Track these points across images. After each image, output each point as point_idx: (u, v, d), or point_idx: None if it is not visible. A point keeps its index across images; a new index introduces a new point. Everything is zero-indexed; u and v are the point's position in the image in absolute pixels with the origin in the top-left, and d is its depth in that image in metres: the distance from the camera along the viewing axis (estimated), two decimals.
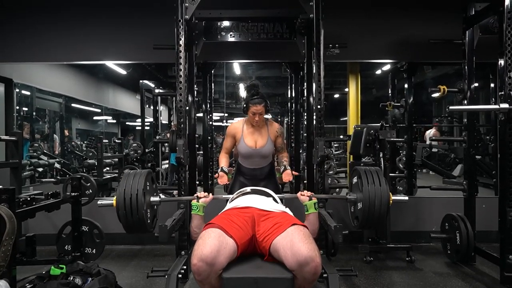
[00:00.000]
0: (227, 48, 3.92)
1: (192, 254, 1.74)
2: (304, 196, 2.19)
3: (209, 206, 2.24)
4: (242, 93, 2.74)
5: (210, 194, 2.24)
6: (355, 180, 2.13)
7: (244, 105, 2.81)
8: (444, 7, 3.78)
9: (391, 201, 1.99)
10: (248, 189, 2.42)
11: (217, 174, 2.86)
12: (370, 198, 1.94)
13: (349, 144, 4.16)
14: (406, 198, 2.20)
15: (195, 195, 2.20)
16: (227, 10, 3.10)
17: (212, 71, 4.37)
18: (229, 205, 2.30)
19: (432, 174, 7.66)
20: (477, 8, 3.14)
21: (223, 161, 2.91)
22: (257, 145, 2.83)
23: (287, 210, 2.21)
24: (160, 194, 2.19)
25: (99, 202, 2.03)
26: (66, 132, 8.19)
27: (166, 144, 6.01)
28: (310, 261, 1.68)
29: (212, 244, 1.73)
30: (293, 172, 2.85)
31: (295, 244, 1.74)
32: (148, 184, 2.04)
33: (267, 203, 2.21)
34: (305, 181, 3.50)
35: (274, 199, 2.34)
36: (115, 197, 1.94)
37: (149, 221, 2.04)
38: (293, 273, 1.75)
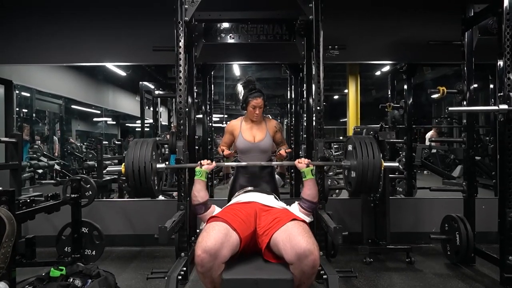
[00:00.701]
0: (227, 49, 3.93)
1: (196, 246, 1.79)
2: (301, 163, 2.30)
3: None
4: (239, 89, 2.78)
5: (213, 162, 2.36)
6: (349, 148, 2.27)
7: (243, 101, 2.84)
8: (443, 8, 3.80)
9: (382, 166, 2.13)
10: (250, 188, 2.54)
11: (220, 148, 2.98)
12: (363, 164, 2.09)
13: None
14: (397, 164, 2.43)
15: (199, 162, 2.33)
16: (226, 12, 3.11)
17: (212, 73, 4.38)
18: (232, 201, 2.40)
19: (431, 175, 7.67)
20: (476, 9, 3.15)
21: (224, 148, 3.00)
22: (256, 139, 2.86)
23: (288, 207, 2.26)
24: (166, 162, 2.37)
25: (108, 168, 2.40)
26: (71, 140, 8.20)
27: (166, 145, 6.00)
28: (309, 254, 1.72)
29: (216, 236, 1.78)
30: (287, 150, 2.91)
31: (295, 237, 1.79)
32: (154, 152, 2.18)
33: (268, 199, 2.31)
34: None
35: (275, 197, 2.44)
36: (124, 164, 2.08)
37: (156, 187, 2.19)
38: (291, 267, 1.77)
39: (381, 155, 2.14)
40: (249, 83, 2.87)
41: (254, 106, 2.77)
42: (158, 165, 2.23)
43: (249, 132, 2.87)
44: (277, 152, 2.94)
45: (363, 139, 2.19)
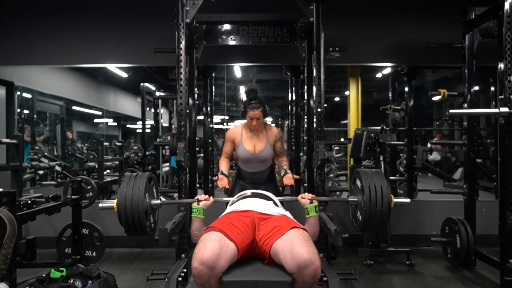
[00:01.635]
0: (228, 51, 3.93)
1: (192, 257, 1.74)
2: (305, 199, 2.20)
3: (210, 209, 2.25)
4: (242, 95, 2.76)
5: (211, 197, 2.26)
6: (356, 182, 2.13)
7: (242, 110, 2.83)
8: (443, 11, 3.80)
9: (392, 204, 1.99)
10: (248, 192, 2.43)
11: (216, 177, 2.87)
12: (371, 201, 1.94)
13: (350, 147, 4.16)
14: (408, 200, 2.18)
15: (196, 197, 2.22)
16: (227, 14, 3.11)
17: (213, 74, 4.38)
18: (229, 209, 2.31)
19: (432, 177, 7.66)
20: (476, 12, 3.16)
21: (223, 164, 2.92)
22: (256, 150, 2.84)
23: (287, 213, 2.22)
24: (161, 197, 2.20)
25: (100, 205, 2.03)
26: (69, 135, 8.19)
27: (166, 147, 6.01)
28: (309, 264, 1.68)
29: (212, 247, 1.73)
30: (294, 176, 2.85)
31: (295, 247, 1.74)
32: (149, 187, 2.05)
33: (267, 206, 2.22)
34: (305, 184, 3.50)
35: (274, 203, 2.34)
36: (116, 200, 1.95)
37: (150, 224, 2.05)
38: (292, 276, 1.75)
39: (390, 190, 1.99)
40: (250, 92, 2.85)
41: (251, 117, 2.75)
42: (153, 202, 2.10)
43: (249, 142, 2.86)
44: (283, 177, 2.82)
45: (371, 174, 2.05)
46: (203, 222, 2.17)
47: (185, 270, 2.31)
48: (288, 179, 2.78)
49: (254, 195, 2.37)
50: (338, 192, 5.36)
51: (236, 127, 2.96)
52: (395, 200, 2.03)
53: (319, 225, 2.20)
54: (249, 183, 2.89)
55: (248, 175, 2.94)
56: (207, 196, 2.23)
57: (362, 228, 2.06)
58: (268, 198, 2.35)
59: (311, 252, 1.72)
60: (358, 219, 2.10)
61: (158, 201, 2.12)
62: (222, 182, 2.79)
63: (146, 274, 2.63)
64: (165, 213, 2.44)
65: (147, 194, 2.00)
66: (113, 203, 1.96)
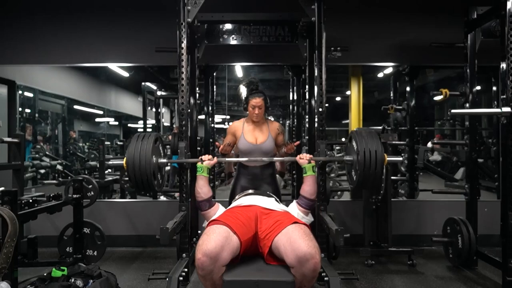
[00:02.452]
0: (229, 51, 3.93)
1: (196, 249, 1.79)
2: (303, 159, 2.31)
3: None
4: (242, 90, 2.79)
5: (215, 157, 2.38)
6: (352, 142, 2.25)
7: (244, 102, 2.84)
8: (445, 10, 3.79)
9: (385, 161, 2.11)
10: (251, 191, 2.53)
11: (218, 143, 2.98)
12: (365, 156, 2.06)
13: None
14: (400, 158, 2.43)
15: (200, 157, 2.35)
16: (229, 13, 3.11)
17: (214, 74, 4.38)
18: (232, 204, 2.39)
19: (434, 177, 7.65)
20: (478, 11, 3.15)
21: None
22: (258, 141, 2.84)
23: (288, 209, 2.26)
24: (165, 159, 2.35)
25: (110, 162, 2.48)
26: (73, 134, 8.20)
27: (168, 146, 6.02)
28: (309, 258, 1.71)
29: (216, 239, 1.78)
30: (294, 143, 2.87)
31: (295, 241, 1.78)
32: (155, 146, 2.20)
33: (269, 202, 2.30)
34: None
35: (276, 200, 2.39)
36: (125, 157, 2.09)
37: (156, 181, 2.18)
38: (292, 270, 1.77)
39: (383, 149, 2.12)
40: (250, 84, 2.88)
41: (253, 105, 2.75)
42: (160, 160, 2.25)
43: (251, 134, 2.86)
44: (285, 146, 2.89)
45: (365, 133, 2.17)
46: (207, 180, 2.31)
47: (186, 269, 2.32)
48: (290, 146, 2.83)
49: (256, 193, 2.47)
50: (339, 192, 5.36)
51: (237, 121, 2.98)
52: (388, 158, 2.16)
53: (316, 185, 2.31)
54: (250, 179, 2.87)
55: (249, 170, 2.91)
56: (210, 156, 2.36)
57: (358, 184, 2.17)
58: (270, 195, 2.44)
59: (311, 246, 1.75)
60: (354, 176, 2.21)
61: (165, 160, 2.29)
62: (221, 148, 2.87)
63: (147, 274, 2.64)
64: (166, 212, 2.45)
65: (154, 153, 2.14)
66: (122, 160, 2.10)
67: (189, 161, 2.51)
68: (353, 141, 2.21)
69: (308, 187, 2.24)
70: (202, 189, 2.23)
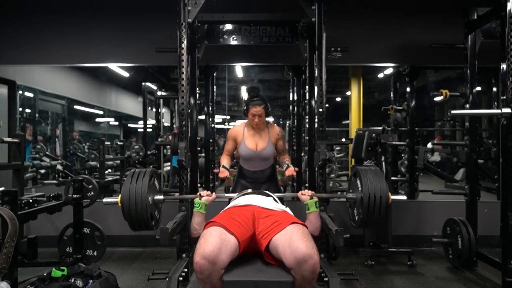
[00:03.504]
0: (229, 51, 3.93)
1: (194, 252, 1.77)
2: (305, 195, 2.24)
3: (211, 207, 2.26)
4: (244, 94, 2.78)
5: (213, 193, 2.29)
6: (355, 179, 2.16)
7: (245, 107, 2.83)
8: (446, 11, 3.80)
9: (390, 200, 2.02)
10: (249, 190, 2.47)
11: (217, 170, 2.89)
12: (370, 196, 1.97)
13: (351, 148, 4.16)
14: (405, 197, 2.29)
15: (198, 193, 2.26)
16: (229, 14, 3.11)
17: (214, 74, 4.40)
18: (230, 204, 2.35)
19: (434, 178, 7.65)
20: (479, 12, 3.15)
21: (224, 160, 2.94)
22: (258, 148, 2.84)
23: (287, 209, 2.24)
24: (161, 195, 2.21)
25: (104, 200, 2.08)
26: (75, 135, 8.21)
27: (168, 146, 6.02)
28: (308, 259, 1.70)
29: (214, 242, 1.75)
30: (295, 168, 2.86)
31: (294, 241, 1.76)
32: (152, 183, 2.09)
33: (267, 202, 2.26)
34: (306, 184, 3.51)
35: (274, 199, 2.38)
36: (120, 195, 1.98)
37: (153, 219, 2.08)
38: (292, 271, 1.76)
39: (388, 188, 2.02)
40: (252, 90, 2.85)
41: (253, 114, 2.75)
42: (156, 197, 2.13)
43: (251, 140, 2.86)
44: (285, 170, 2.82)
45: (370, 172, 2.07)
46: (204, 217, 2.20)
47: (186, 269, 2.31)
48: (290, 170, 2.80)
49: (254, 192, 2.42)
50: (339, 192, 5.36)
51: (238, 126, 2.97)
52: (392, 197, 2.06)
53: (320, 221, 2.23)
54: (250, 182, 2.89)
55: (250, 174, 2.94)
56: (209, 192, 2.27)
57: (360, 224, 2.10)
58: (268, 195, 2.39)
59: (310, 247, 1.74)
60: (357, 215, 2.13)
61: (161, 197, 2.15)
62: (223, 173, 2.81)
63: (147, 274, 2.64)
64: (166, 212, 2.44)
65: (150, 190, 2.04)
66: (117, 199, 2.00)
67: (186, 197, 2.46)
68: (357, 177, 2.12)
69: (311, 225, 2.15)
70: (200, 226, 2.11)
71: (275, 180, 3.00)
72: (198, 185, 3.64)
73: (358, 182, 2.08)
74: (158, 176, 2.24)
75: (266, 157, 2.88)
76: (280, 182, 3.09)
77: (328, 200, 2.75)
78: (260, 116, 2.75)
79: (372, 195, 1.97)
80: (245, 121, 2.94)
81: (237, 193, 2.50)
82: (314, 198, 2.21)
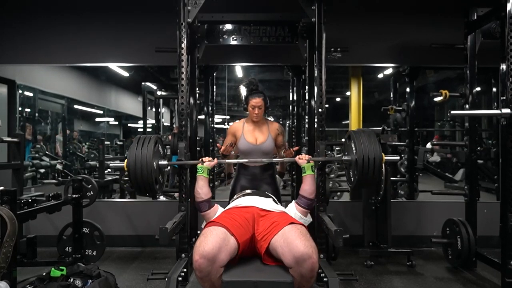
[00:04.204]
0: (229, 51, 3.93)
1: (194, 250, 1.79)
2: (302, 159, 2.32)
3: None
4: (242, 90, 2.80)
5: (215, 159, 2.40)
6: (350, 142, 2.26)
7: (244, 102, 2.84)
8: (446, 11, 3.79)
9: (383, 160, 2.13)
10: (249, 191, 2.52)
11: (219, 144, 2.95)
12: (364, 157, 2.09)
13: None
14: (397, 158, 2.41)
15: (200, 159, 2.37)
16: (229, 14, 3.11)
17: (214, 74, 4.39)
18: (230, 205, 2.38)
19: (434, 178, 7.65)
20: (479, 13, 3.15)
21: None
22: (258, 141, 2.85)
23: (287, 210, 2.26)
24: (166, 161, 2.35)
25: (111, 164, 2.42)
26: (76, 135, 8.22)
27: (167, 146, 6.03)
28: (307, 258, 1.71)
29: (213, 241, 1.78)
30: (293, 149, 2.87)
31: (293, 241, 1.78)
32: (156, 148, 2.21)
33: (267, 203, 2.29)
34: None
35: (274, 201, 2.42)
36: (126, 159, 2.11)
37: (157, 183, 2.21)
38: (290, 270, 1.77)
39: (381, 148, 2.14)
40: (250, 84, 2.88)
41: (253, 105, 2.76)
42: (160, 162, 2.27)
43: (251, 134, 2.87)
44: (284, 152, 2.88)
45: (363, 133, 2.19)
46: (207, 180, 2.31)
47: (185, 269, 2.31)
48: (289, 153, 2.82)
49: (254, 193, 2.46)
50: (339, 193, 5.36)
51: (237, 122, 2.98)
52: (386, 157, 2.18)
53: (315, 185, 2.32)
54: (250, 179, 2.87)
55: (249, 170, 2.92)
56: (211, 158, 2.37)
57: (356, 184, 2.20)
58: (268, 196, 2.44)
59: (308, 245, 1.76)
60: (352, 177, 2.24)
61: (165, 162, 2.30)
62: (222, 148, 2.84)
63: (146, 274, 2.64)
64: (166, 212, 2.45)
65: (155, 155, 2.17)
66: (123, 163, 2.13)
67: (189, 163, 2.52)
68: (351, 140, 2.22)
69: (307, 186, 2.25)
70: (202, 189, 2.23)
71: (274, 180, 3.00)
72: None
73: (353, 145, 2.19)
74: (162, 143, 2.36)
75: (266, 152, 2.88)
76: (279, 168, 3.10)
77: (328, 201, 2.76)
78: (260, 107, 2.77)
79: (366, 157, 2.08)
80: (245, 118, 2.95)
81: (237, 194, 2.55)
82: (311, 162, 2.31)
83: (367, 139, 2.14)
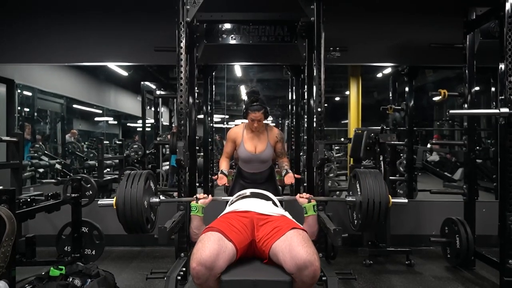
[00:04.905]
0: (228, 50, 3.93)
1: (191, 257, 1.74)
2: (303, 198, 2.20)
3: (209, 208, 2.25)
4: (244, 96, 2.78)
5: (210, 195, 2.25)
6: (354, 182, 2.13)
7: (244, 111, 2.83)
8: (445, 11, 3.80)
9: (390, 204, 1.99)
10: (248, 192, 2.42)
11: (216, 176, 2.88)
12: (369, 200, 1.94)
13: (350, 147, 4.16)
14: (406, 200, 2.18)
15: (195, 196, 2.22)
16: (228, 13, 3.11)
17: (213, 73, 4.39)
18: (228, 209, 2.30)
19: (433, 177, 7.66)
20: (478, 12, 3.15)
21: (223, 164, 2.93)
22: (257, 150, 2.84)
23: (287, 213, 2.21)
24: (160, 196, 2.19)
25: (99, 202, 2.03)
26: (75, 134, 8.20)
27: (166, 145, 6.02)
28: (309, 265, 1.68)
29: (211, 247, 1.73)
30: (295, 175, 2.86)
31: (294, 247, 1.74)
32: (148, 185, 2.05)
33: (266, 206, 2.21)
34: (305, 184, 3.51)
35: (274, 203, 2.34)
36: (115, 197, 1.95)
37: (149, 222, 2.05)
38: (292, 276, 1.75)
39: (387, 191, 2.00)
40: (252, 94, 2.84)
41: (252, 119, 2.74)
42: (152, 200, 2.10)
43: (250, 142, 2.86)
44: (284, 176, 2.83)
45: (368, 173, 2.06)
46: (202, 220, 2.17)
47: (184, 269, 2.31)
48: (289, 178, 2.79)
49: (253, 195, 2.36)
50: (338, 192, 5.36)
51: (237, 127, 2.96)
52: (393, 200, 2.03)
53: (318, 225, 2.21)
54: (249, 183, 2.89)
55: (248, 175, 2.95)
56: (205, 195, 2.23)
57: (360, 228, 2.07)
58: (268, 198, 2.35)
59: (310, 252, 1.71)
60: (356, 219, 2.11)
61: (157, 199, 2.12)
62: (222, 181, 2.80)
63: (146, 273, 2.64)
64: (164, 212, 2.44)
65: (146, 192, 2.00)
66: (112, 201, 1.96)
67: (183, 200, 2.46)
68: (356, 180, 2.10)
69: (309, 229, 2.12)
70: (199, 230, 2.09)
71: (273, 182, 3.00)
72: (197, 184, 3.64)
73: (358, 185, 2.05)
74: (154, 178, 2.19)
75: (265, 160, 2.89)
76: (278, 182, 3.08)
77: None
78: (259, 121, 2.76)
79: (371, 200, 1.94)
80: (245, 121, 2.94)
81: (235, 195, 2.46)
82: (312, 201, 2.18)
83: (373, 181, 2.00)
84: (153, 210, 2.14)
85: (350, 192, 2.20)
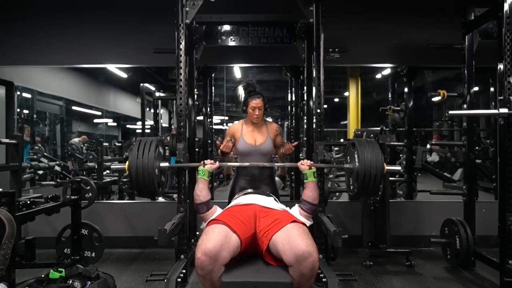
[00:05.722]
0: (228, 52, 3.93)
1: (196, 248, 1.80)
2: (304, 165, 2.31)
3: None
4: (240, 92, 2.81)
5: (217, 162, 2.38)
6: (353, 151, 2.27)
7: (243, 103, 2.84)
8: (443, 11, 3.80)
9: (385, 171, 2.15)
10: (250, 190, 2.54)
11: (219, 142, 2.92)
12: (366, 167, 2.10)
13: None
14: (399, 168, 2.47)
15: (202, 161, 2.36)
16: (227, 15, 3.11)
17: (213, 75, 4.39)
18: (232, 203, 2.39)
19: (432, 178, 7.66)
20: (476, 13, 3.16)
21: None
22: (257, 142, 2.85)
23: (287, 208, 2.28)
24: (167, 163, 2.36)
25: (112, 166, 2.40)
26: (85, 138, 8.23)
27: (166, 147, 6.03)
28: (307, 256, 1.73)
29: (216, 239, 1.79)
30: (292, 144, 2.90)
31: (294, 239, 1.79)
32: (157, 151, 2.22)
33: (268, 201, 2.31)
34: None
35: (275, 200, 2.44)
36: (128, 161, 2.13)
37: (160, 186, 2.23)
38: (290, 269, 1.78)
39: (383, 159, 2.15)
40: (248, 86, 2.89)
41: (253, 107, 2.77)
42: (162, 164, 2.26)
43: (250, 135, 2.87)
44: (284, 146, 2.89)
45: (365, 142, 2.20)
46: (207, 184, 2.31)
47: (184, 271, 2.31)
48: (288, 147, 2.84)
49: (255, 192, 2.47)
50: (337, 193, 5.36)
51: (236, 123, 2.98)
52: (387, 167, 2.19)
53: (317, 190, 2.31)
54: (249, 180, 2.87)
55: (248, 171, 2.91)
56: (212, 161, 2.36)
57: (357, 193, 2.21)
58: (269, 195, 2.45)
59: (309, 244, 1.77)
60: (354, 185, 2.25)
61: (166, 164, 2.30)
62: (227, 145, 2.82)
63: (145, 275, 2.63)
64: (165, 213, 2.45)
65: (156, 157, 2.18)
66: (124, 165, 2.16)
67: (191, 165, 2.53)
68: (353, 149, 2.23)
69: (310, 192, 2.24)
70: (202, 192, 2.23)
71: (273, 181, 3.00)
72: None
73: (356, 154, 2.20)
74: (163, 144, 2.39)
75: (265, 152, 2.88)
76: (280, 171, 3.11)
77: (327, 202, 2.76)
78: (260, 108, 2.78)
79: (368, 169, 2.10)
80: (244, 119, 2.95)
81: (237, 193, 2.56)
82: (313, 168, 2.31)
83: (369, 147, 2.15)
84: (163, 174, 2.32)
85: (348, 159, 2.35)
